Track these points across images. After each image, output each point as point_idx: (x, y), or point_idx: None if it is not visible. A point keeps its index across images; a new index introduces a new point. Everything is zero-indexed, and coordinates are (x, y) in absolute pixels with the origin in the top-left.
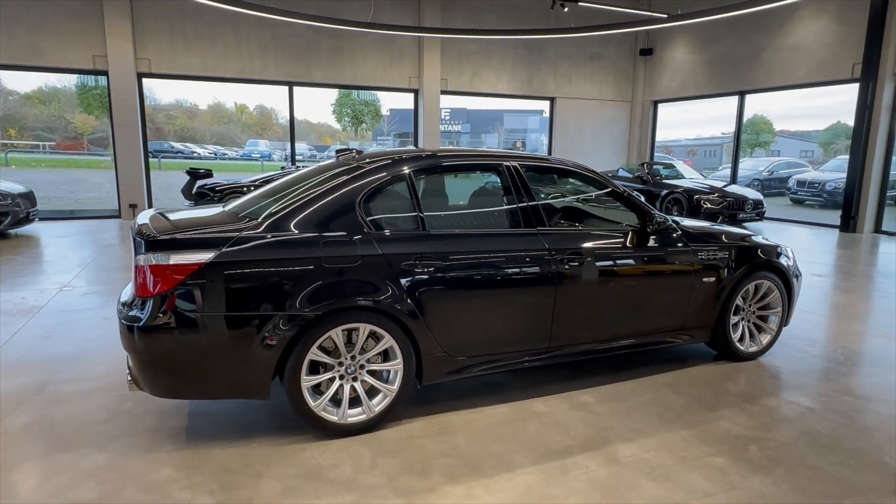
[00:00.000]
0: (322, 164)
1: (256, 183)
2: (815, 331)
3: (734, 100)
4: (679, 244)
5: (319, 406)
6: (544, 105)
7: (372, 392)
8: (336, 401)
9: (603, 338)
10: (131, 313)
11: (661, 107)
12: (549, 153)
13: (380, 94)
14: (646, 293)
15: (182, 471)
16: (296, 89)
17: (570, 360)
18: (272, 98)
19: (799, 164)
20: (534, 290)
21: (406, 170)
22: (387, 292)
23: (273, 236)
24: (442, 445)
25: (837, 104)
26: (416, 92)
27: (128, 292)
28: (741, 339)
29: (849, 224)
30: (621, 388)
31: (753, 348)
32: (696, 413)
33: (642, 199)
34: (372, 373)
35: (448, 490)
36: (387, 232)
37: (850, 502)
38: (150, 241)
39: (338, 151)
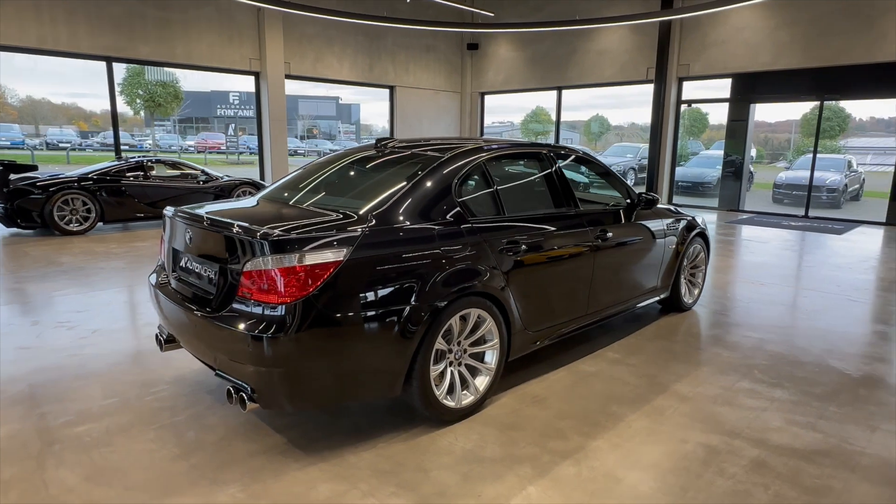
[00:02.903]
0: (340, 152)
1: (93, 176)
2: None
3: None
4: (657, 217)
5: (442, 394)
6: (342, 92)
7: (472, 374)
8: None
9: (617, 301)
10: (258, 319)
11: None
12: None
13: (178, 73)
14: (641, 259)
15: (340, 483)
16: (65, 61)
17: (598, 324)
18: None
19: (585, 150)
20: (580, 262)
21: (484, 157)
22: (492, 277)
23: (396, 229)
24: (548, 412)
25: (596, 98)
26: (257, 75)
27: (217, 300)
28: (685, 294)
29: None
30: (626, 343)
31: (691, 300)
32: (696, 353)
33: None
34: (472, 355)
35: (595, 445)
36: (480, 218)
37: (844, 395)
38: (277, 242)
39: (378, 140)
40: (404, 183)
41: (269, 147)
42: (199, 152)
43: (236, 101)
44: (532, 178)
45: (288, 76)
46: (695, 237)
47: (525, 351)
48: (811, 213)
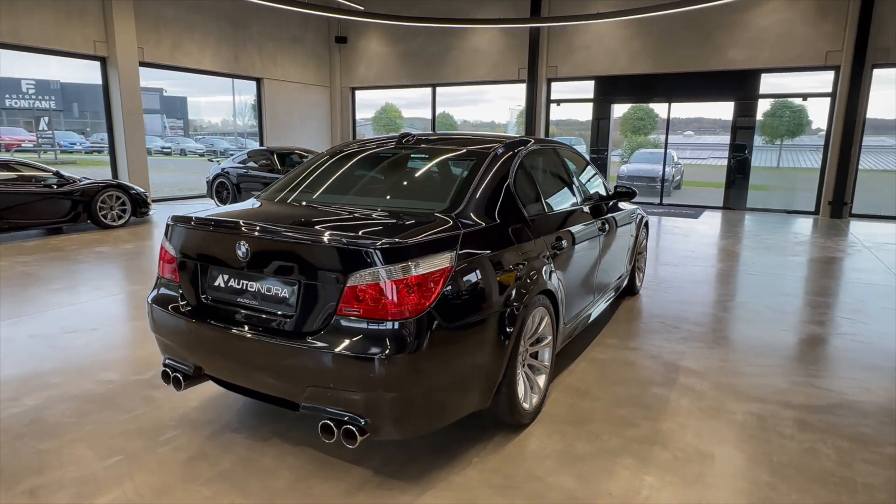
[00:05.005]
0: (338, 148)
1: None
2: None
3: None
4: (625, 208)
5: (522, 397)
6: (164, 81)
7: (534, 373)
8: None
9: (609, 287)
10: (372, 338)
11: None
12: (261, 136)
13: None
14: (622, 247)
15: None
16: None
17: (598, 313)
18: None
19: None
20: (593, 253)
21: (523, 152)
22: (550, 273)
23: (482, 229)
24: (600, 402)
25: (439, 97)
26: (104, 60)
27: (313, 322)
28: (637, 278)
29: None
30: (613, 329)
31: (640, 284)
32: (675, 332)
33: None
34: (531, 355)
35: (666, 428)
36: (534, 214)
37: (809, 354)
38: (390, 250)
39: (401, 135)
40: (467, 180)
41: (125, 144)
42: None
43: (31, 91)
44: (553, 172)
45: (142, 63)
46: (644, 226)
47: (563, 345)
48: (661, 200)
